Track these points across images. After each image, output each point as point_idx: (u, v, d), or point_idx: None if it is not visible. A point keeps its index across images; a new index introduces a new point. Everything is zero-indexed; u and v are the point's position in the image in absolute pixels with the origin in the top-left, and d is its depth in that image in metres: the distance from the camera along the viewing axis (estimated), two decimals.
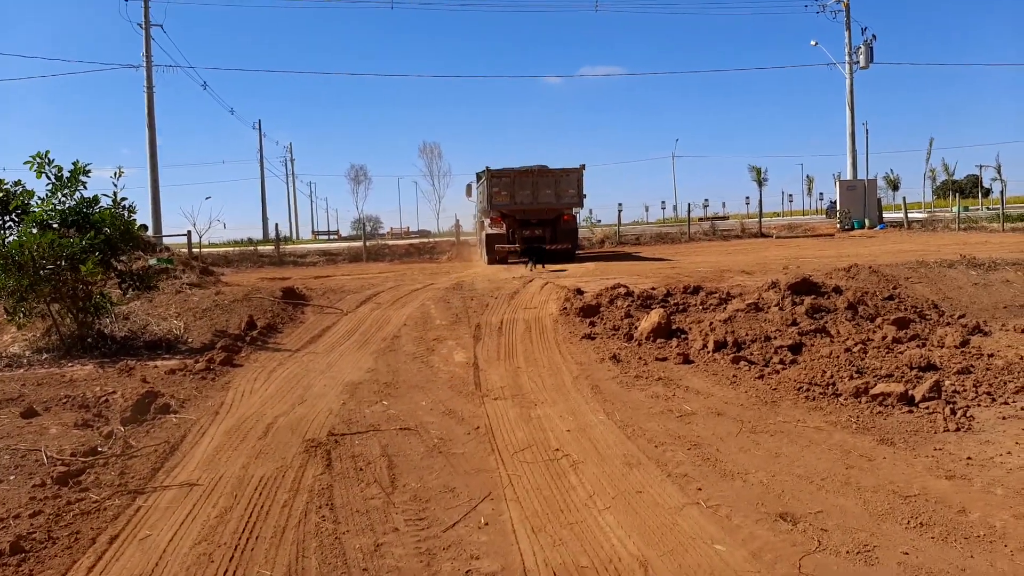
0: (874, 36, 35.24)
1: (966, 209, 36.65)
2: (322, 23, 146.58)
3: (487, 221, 20.37)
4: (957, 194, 45.81)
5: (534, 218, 19.74)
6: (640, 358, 7.18)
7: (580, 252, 23.83)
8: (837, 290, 9.05)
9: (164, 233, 30.46)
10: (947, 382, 5.76)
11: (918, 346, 7.22)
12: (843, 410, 5.38)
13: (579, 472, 4.37)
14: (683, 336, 7.85)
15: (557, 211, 19.96)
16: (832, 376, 5.97)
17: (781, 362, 6.72)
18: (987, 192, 63.93)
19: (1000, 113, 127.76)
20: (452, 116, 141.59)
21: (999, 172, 62.07)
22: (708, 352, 7.18)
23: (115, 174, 8.69)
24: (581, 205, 20.88)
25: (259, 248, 28.95)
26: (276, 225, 30.71)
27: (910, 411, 5.24)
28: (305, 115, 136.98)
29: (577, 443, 4.89)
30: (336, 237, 63.22)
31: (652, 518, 3.69)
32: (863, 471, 4.22)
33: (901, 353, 6.80)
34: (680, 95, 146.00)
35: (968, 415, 5.09)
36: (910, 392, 5.43)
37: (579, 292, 10.35)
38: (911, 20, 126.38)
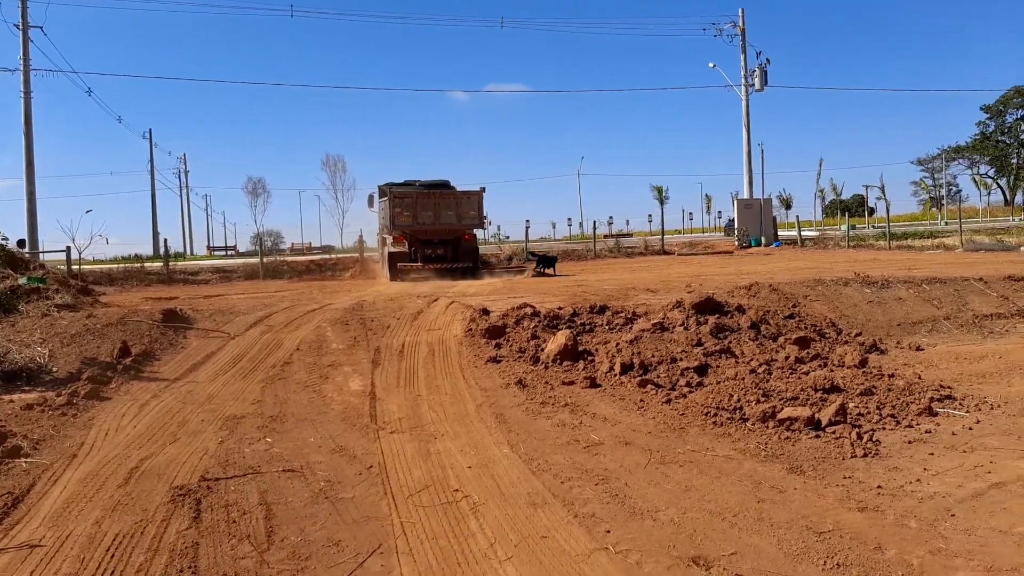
0: (768, 60, 36.75)
1: (854, 227, 38.59)
2: (218, 30, 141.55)
3: (389, 240, 20.65)
4: (845, 213, 48.17)
5: (436, 238, 20.22)
6: (547, 383, 6.90)
7: (489, 268, 23.96)
8: (740, 309, 9.07)
9: (42, 249, 28.37)
10: (851, 404, 5.73)
11: (820, 366, 7.26)
12: (751, 436, 5.24)
13: (480, 516, 4.01)
14: (590, 358, 7.63)
15: (458, 231, 20.48)
16: (739, 400, 5.85)
17: (688, 385, 6.57)
18: (872, 211, 67.67)
19: (885, 136, 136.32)
20: (356, 129, 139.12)
21: (883, 192, 65.97)
22: (615, 375, 6.97)
23: None
24: (481, 226, 21.40)
25: (146, 265, 27.26)
26: (165, 240, 29.03)
27: (817, 436, 5.15)
28: (200, 125, 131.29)
29: (479, 481, 4.52)
30: (233, 253, 60.71)
31: (557, 568, 3.37)
32: (775, 504, 4.04)
33: (805, 374, 6.78)
34: (585, 113, 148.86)
35: (874, 439, 5.04)
36: (816, 416, 5.35)
37: (485, 312, 10.01)
38: (803, 45, 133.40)
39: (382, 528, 3.87)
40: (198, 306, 12.58)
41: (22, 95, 26.34)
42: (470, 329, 9.15)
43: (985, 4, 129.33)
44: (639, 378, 6.74)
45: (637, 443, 5.15)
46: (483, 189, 21.08)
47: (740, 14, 37.50)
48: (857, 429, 5.19)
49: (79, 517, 4.07)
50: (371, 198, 24.51)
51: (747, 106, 37.13)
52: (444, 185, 22.38)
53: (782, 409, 5.51)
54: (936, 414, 5.60)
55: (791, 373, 6.86)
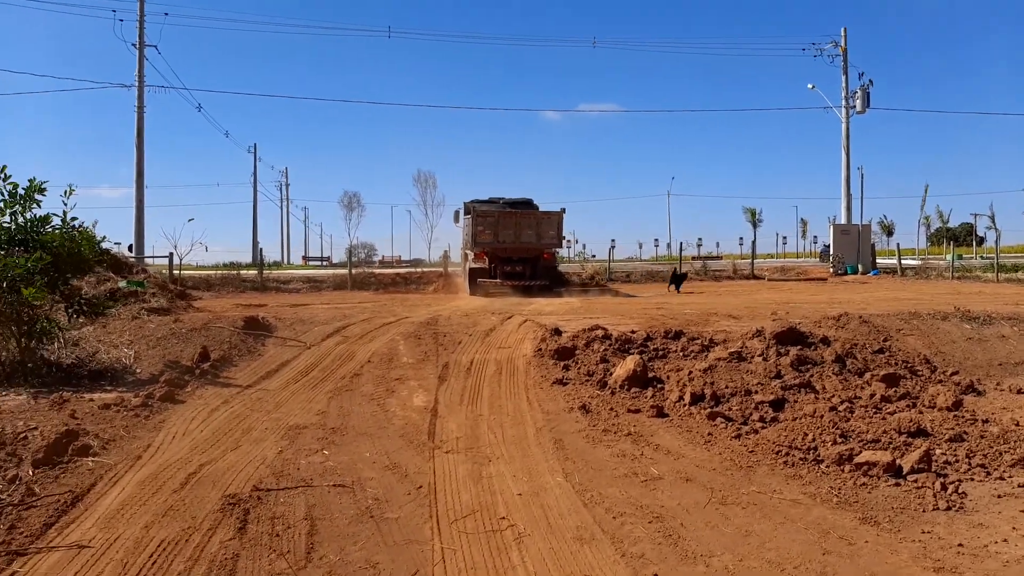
0: (871, 81, 35.25)
1: (960, 257, 36.39)
2: (318, 48, 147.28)
3: (471, 255, 21.12)
4: (952, 242, 45.63)
5: (515, 255, 20.56)
6: (611, 409, 6.69)
7: (568, 288, 23.89)
8: (825, 341, 8.59)
9: (148, 254, 30.00)
10: (938, 451, 5.28)
11: (908, 406, 6.76)
12: (824, 479, 4.89)
13: (523, 547, 3.86)
14: (659, 386, 7.37)
15: (538, 250, 20.80)
16: (814, 439, 5.48)
17: (761, 419, 6.23)
18: (981, 240, 63.96)
19: (994, 161, 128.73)
20: (448, 146, 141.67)
21: (993, 221, 62.21)
22: (684, 405, 6.69)
23: (65, 192, 8.21)
24: (560, 246, 21.70)
25: (242, 273, 28.37)
26: (260, 250, 30.35)
27: (897, 484, 4.75)
28: (301, 140, 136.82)
29: (527, 510, 4.37)
30: (326, 264, 62.75)
31: None
32: (842, 558, 3.72)
33: (890, 414, 6.33)
34: (676, 134, 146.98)
35: (960, 491, 4.61)
36: (898, 462, 4.95)
37: (556, 332, 9.86)
38: (908, 66, 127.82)
39: (422, 553, 3.78)
40: (282, 314, 12.94)
41: (136, 110, 28.07)
42: (539, 349, 9.02)
43: None
44: (709, 410, 6.44)
45: (699, 480, 4.88)
46: (563, 210, 21.24)
47: (842, 34, 36.17)
48: (942, 479, 4.77)
49: (130, 520, 4.15)
50: (456, 214, 25.18)
51: (847, 128, 35.70)
52: (527, 203, 22.65)
53: (860, 452, 5.13)
54: None
55: (875, 413, 6.41)
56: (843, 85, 35.86)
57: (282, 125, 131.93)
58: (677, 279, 22.53)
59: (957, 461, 5.11)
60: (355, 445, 5.68)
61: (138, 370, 8.37)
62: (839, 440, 5.45)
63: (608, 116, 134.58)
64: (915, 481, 4.75)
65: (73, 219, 8.22)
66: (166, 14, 30.59)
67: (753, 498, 4.57)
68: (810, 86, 37.93)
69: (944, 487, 4.63)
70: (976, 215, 66.00)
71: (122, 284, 15.26)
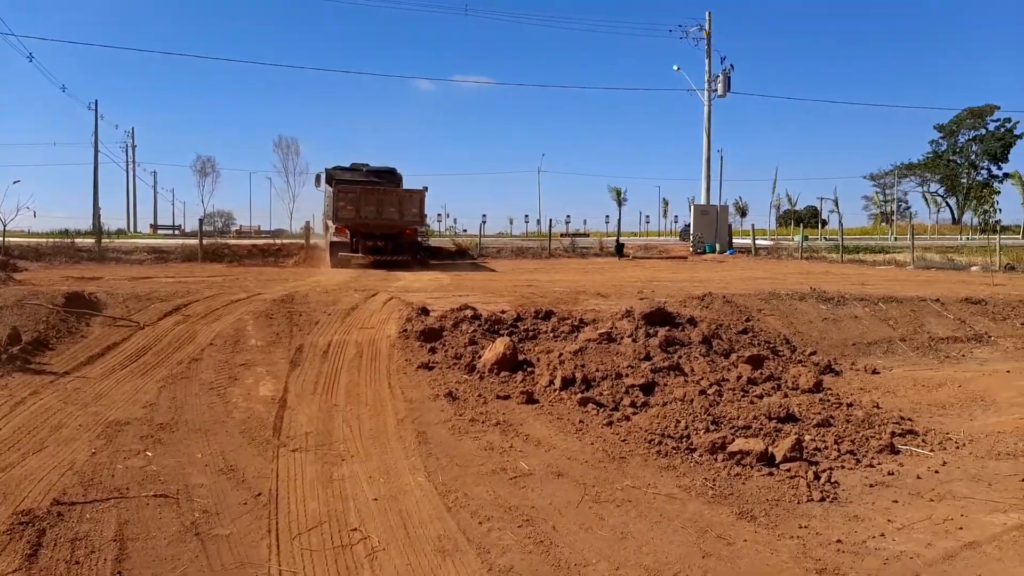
0: (732, 66, 36.62)
1: (807, 239, 38.85)
2: (171, 3, 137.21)
3: (332, 228, 21.13)
4: (799, 223, 48.67)
5: (377, 231, 20.85)
6: (480, 396, 6.27)
7: (438, 262, 24.04)
8: (692, 321, 8.56)
9: None
10: (808, 437, 5.23)
11: (774, 388, 6.78)
12: (698, 470, 4.69)
13: (377, 565, 3.36)
14: (530, 369, 7.03)
15: (400, 227, 21.06)
16: (687, 426, 5.30)
17: (632, 405, 6.01)
18: (824, 223, 68.72)
19: (839, 149, 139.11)
20: (313, 111, 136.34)
21: (836, 205, 67.07)
22: (555, 390, 6.37)
23: None
24: (422, 224, 22.14)
25: (77, 241, 25.82)
26: (98, 215, 27.57)
27: (771, 473, 4.62)
28: (150, 99, 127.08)
29: (383, 518, 3.87)
30: (177, 232, 58.77)
31: None
32: (722, 560, 3.48)
33: (759, 398, 6.29)
34: (549, 109, 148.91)
35: (832, 480, 4.53)
36: (770, 450, 4.83)
37: (423, 311, 9.34)
38: (766, 53, 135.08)
39: None
40: (117, 289, 11.65)
41: None
42: (405, 330, 8.47)
43: (944, 26, 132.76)
44: (580, 395, 6.15)
45: (571, 474, 4.55)
46: (425, 188, 21.82)
47: (707, 17, 37.33)
48: (814, 467, 4.68)
49: None
50: (318, 177, 24.83)
51: (709, 111, 37.01)
52: (391, 172, 22.86)
53: (733, 440, 4.98)
54: (898, 452, 5.13)
55: (743, 396, 6.36)
56: (706, 68, 37.09)
57: (128, 82, 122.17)
58: (619, 249, 28.55)
59: (827, 447, 5.07)
60: (186, 444, 4.95)
61: None
62: (711, 427, 5.30)
63: (481, 89, 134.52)
64: (788, 470, 4.63)
65: None
66: None
67: (628, 494, 4.28)
68: (676, 68, 39.03)
69: (817, 476, 4.54)
70: (822, 199, 70.86)
71: None
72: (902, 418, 5.91)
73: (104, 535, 3.56)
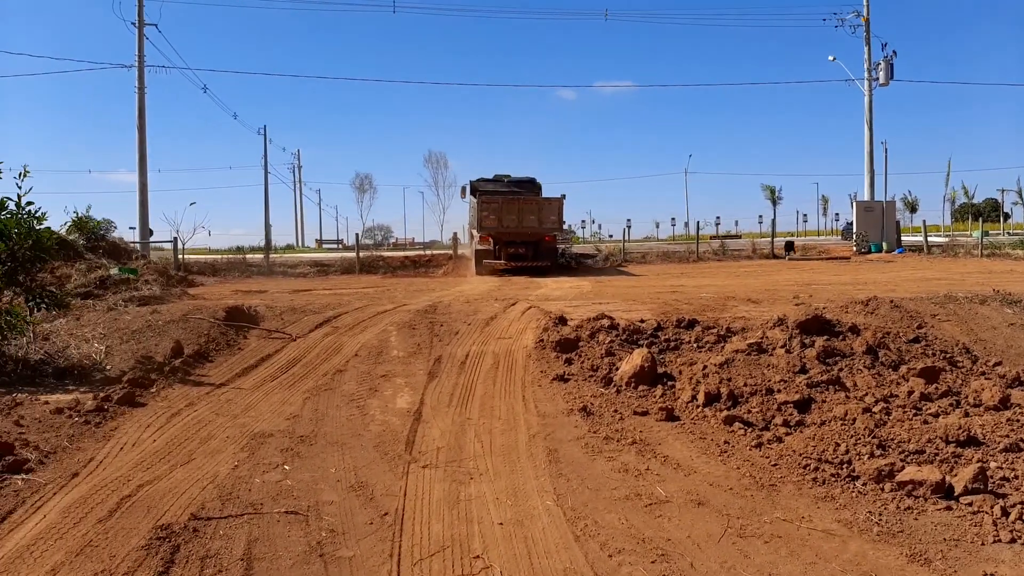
0: (894, 52, 33.86)
1: (987, 234, 35.19)
2: (324, 25, 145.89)
3: (476, 237, 22.33)
4: (980, 218, 44.22)
5: (519, 239, 21.75)
6: (616, 411, 5.97)
7: (582, 269, 24.44)
8: (854, 329, 7.81)
9: (154, 239, 29.50)
10: (993, 464, 4.53)
11: (951, 405, 5.98)
12: (861, 501, 4.16)
13: None
14: (670, 383, 6.64)
15: (539, 234, 21.92)
16: (847, 450, 4.75)
17: (785, 424, 5.50)
18: (1007, 216, 62.21)
19: (1019, 135, 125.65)
20: (458, 125, 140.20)
21: (1020, 196, 60.46)
22: (697, 406, 5.96)
23: (20, 175, 7.52)
24: (561, 230, 22.95)
25: (247, 257, 27.86)
26: (267, 233, 29.64)
27: (948, 507, 4.02)
28: (311, 121, 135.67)
29: (508, 545, 3.68)
30: (340, 246, 62.27)
31: None
32: None
33: (933, 417, 5.57)
34: (693, 110, 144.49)
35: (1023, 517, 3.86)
36: (948, 480, 4.20)
37: (561, 321, 9.14)
38: (933, 37, 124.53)
39: None
40: (277, 301, 12.33)
41: (136, 91, 27.42)
42: (541, 340, 8.31)
43: None
44: (726, 412, 5.70)
45: (713, 503, 4.17)
46: (563, 196, 22.61)
47: (864, 3, 34.78)
48: (1001, 501, 4.02)
49: (37, 561, 3.51)
50: (464, 190, 26.88)
51: (870, 102, 34.42)
52: (531, 182, 23.88)
53: (903, 468, 4.39)
54: None
55: (915, 414, 5.65)
56: (865, 56, 34.54)
57: (291, 106, 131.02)
58: (788, 246, 29.92)
59: (1016, 478, 4.35)
60: (322, 458, 5.02)
61: (108, 367, 7.77)
62: (877, 452, 4.71)
63: (623, 93, 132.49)
64: (970, 504, 4.01)
65: (28, 204, 7.54)
66: None
67: (778, 528, 3.84)
68: (831, 58, 36.73)
69: (1005, 512, 3.89)
70: (1003, 190, 64.12)
71: (114, 271, 14.73)
72: None
73: (233, 553, 3.60)
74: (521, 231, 21.63)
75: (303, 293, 16.09)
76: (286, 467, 4.83)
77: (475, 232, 22.54)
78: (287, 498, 4.30)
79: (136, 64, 27.42)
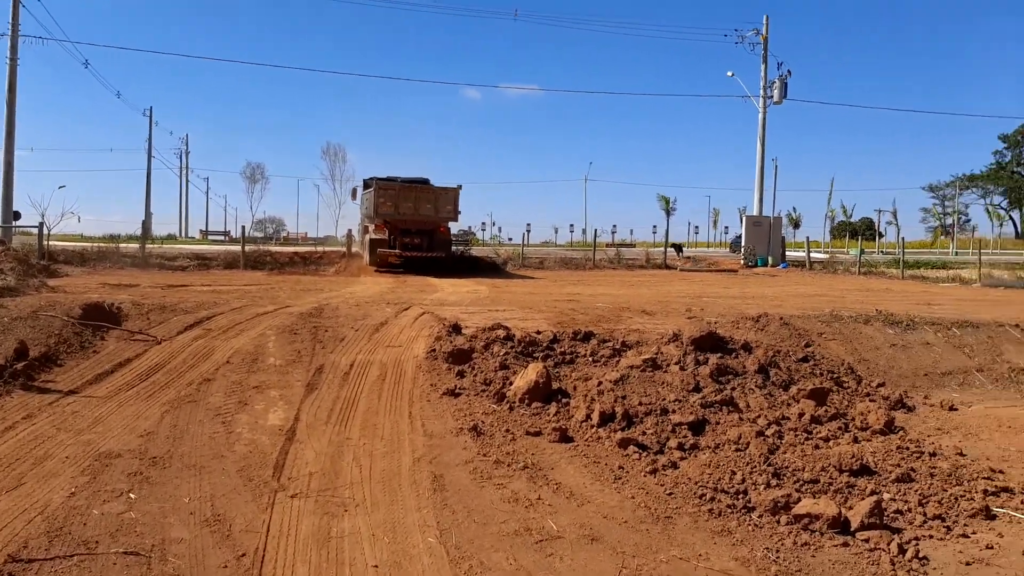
0: (789, 72, 35.34)
1: (863, 252, 37.35)
2: (217, 8, 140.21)
3: (371, 227, 22.73)
4: (859, 237, 46.94)
5: (414, 227, 22.20)
6: (508, 431, 5.64)
7: (479, 272, 24.36)
8: (746, 347, 7.80)
9: (17, 224, 27.11)
10: (887, 496, 4.47)
11: (840, 428, 6.00)
12: (758, 536, 3.98)
13: None
14: (565, 400, 6.37)
15: (435, 223, 22.47)
16: (743, 479, 4.59)
17: (680, 447, 5.32)
18: (881, 235, 66.39)
19: (897, 160, 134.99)
20: (359, 118, 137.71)
21: (895, 217, 64.77)
22: (592, 426, 5.71)
23: None
24: (456, 219, 23.29)
25: (122, 247, 25.96)
26: (144, 221, 27.73)
27: (845, 543, 3.89)
28: (201, 106, 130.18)
29: None
30: (226, 238, 59.51)
31: None
32: None
33: (824, 441, 5.56)
34: (596, 117, 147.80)
35: (920, 555, 3.77)
36: (844, 514, 4.08)
37: (455, 329, 8.75)
38: (824, 59, 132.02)
39: None
40: (147, 297, 11.37)
41: (8, 61, 25.05)
42: (433, 350, 7.89)
43: (1011, 34, 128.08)
44: (621, 434, 5.47)
45: (608, 539, 3.88)
46: (459, 186, 22.96)
47: (764, 21, 36.21)
48: (897, 537, 3.93)
49: None
50: (355, 191, 27.25)
51: (764, 119, 35.85)
52: (424, 181, 23.95)
53: (799, 499, 4.25)
54: (994, 516, 4.35)
55: (807, 439, 5.61)
56: (762, 74, 35.95)
57: (181, 89, 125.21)
58: (678, 248, 32.83)
59: (910, 510, 4.30)
60: (175, 484, 4.43)
61: None
62: (772, 481, 4.58)
63: (529, 96, 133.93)
64: (866, 540, 3.90)
65: None
66: None
67: (675, 567, 3.60)
68: (729, 73, 38.09)
69: (902, 549, 3.79)
70: (879, 211, 68.53)
71: None
72: (992, 471, 5.10)
73: None
74: (417, 219, 21.94)
75: (178, 289, 15.00)
76: (132, 495, 4.23)
77: (369, 224, 22.95)
78: (128, 535, 3.72)
79: (10, 33, 25.06)
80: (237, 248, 26.45)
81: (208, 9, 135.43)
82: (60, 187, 53.28)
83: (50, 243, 24.15)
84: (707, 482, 4.58)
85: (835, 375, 7.77)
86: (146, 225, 27.52)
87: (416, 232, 22.33)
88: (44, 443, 5.05)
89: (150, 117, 61.85)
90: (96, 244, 26.49)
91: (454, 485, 4.56)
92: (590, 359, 7.64)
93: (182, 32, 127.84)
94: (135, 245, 26.06)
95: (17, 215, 28.36)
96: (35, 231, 24.41)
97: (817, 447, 5.41)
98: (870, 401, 7.08)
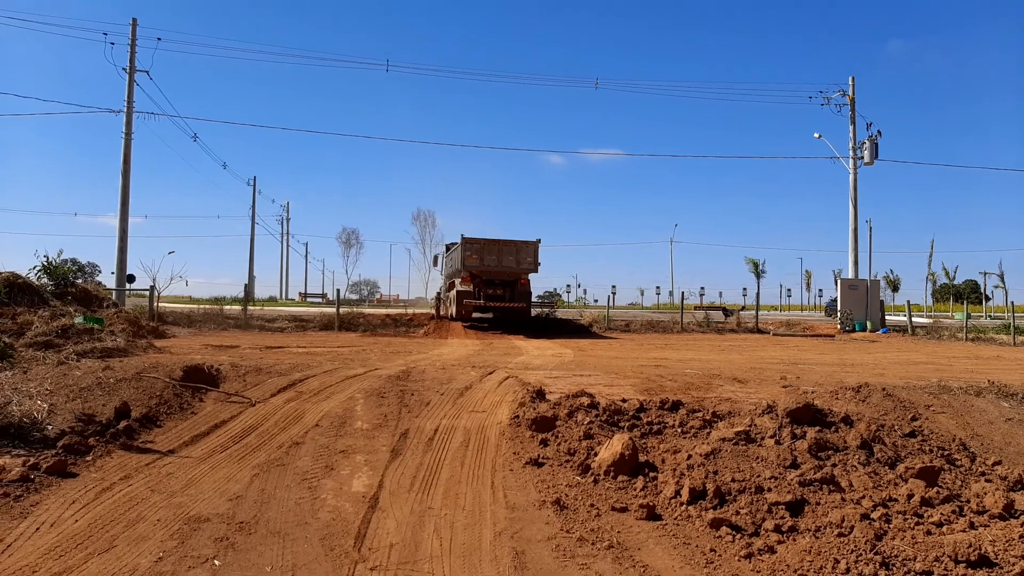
0: (879, 132, 34.46)
1: (969, 316, 35.26)
2: (317, 79, 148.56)
3: (458, 280, 24.49)
4: (963, 300, 44.37)
5: (497, 279, 24.29)
6: (592, 505, 5.46)
7: (564, 334, 24.92)
8: (847, 420, 7.38)
9: (131, 287, 28.86)
10: None
11: (954, 512, 5.52)
12: None
13: None
14: (652, 474, 6.14)
15: (516, 274, 24.49)
16: (848, 568, 4.25)
17: (777, 529, 5.00)
18: (988, 299, 62.63)
19: (1002, 218, 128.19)
20: (447, 184, 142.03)
21: (1002, 279, 61.10)
22: (681, 503, 5.46)
23: None
24: (536, 271, 24.86)
25: (225, 309, 27.22)
26: (245, 286, 29.04)
27: None
28: (301, 174, 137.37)
29: None
30: (323, 300, 61.57)
31: None
32: None
33: (937, 527, 5.11)
34: (680, 179, 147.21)
35: None
36: None
37: (539, 395, 8.66)
38: (917, 118, 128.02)
39: None
40: (245, 359, 11.79)
41: (123, 136, 27.14)
42: (516, 416, 7.81)
43: None
44: (713, 512, 5.20)
45: None
46: (539, 240, 24.83)
47: (850, 83, 35.54)
48: None
49: None
50: (436, 258, 29.36)
51: (855, 180, 34.84)
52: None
53: None
54: None
55: (917, 523, 5.18)
56: (851, 135, 35.15)
57: (282, 158, 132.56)
58: (725, 311, 32.92)
59: None
60: (259, 551, 4.45)
61: (49, 427, 7.16)
62: (880, 572, 4.22)
63: (611, 160, 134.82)
64: None
65: None
66: (159, 39, 29.85)
67: None
68: (816, 135, 37.31)
69: None
70: (984, 273, 64.82)
71: (78, 320, 14.14)
72: None
73: None
74: (500, 271, 23.98)
75: (275, 350, 15.53)
76: (216, 562, 4.27)
77: (456, 279, 24.77)
78: None
79: (125, 110, 27.22)
80: (332, 310, 27.34)
81: (304, 84, 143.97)
82: (170, 252, 56.68)
83: (160, 305, 25.56)
84: (807, 570, 4.27)
85: (946, 452, 7.22)
86: (248, 288, 28.81)
87: (499, 283, 24.24)
88: (137, 505, 5.20)
89: (253, 186, 65.49)
90: (202, 306, 27.88)
91: (535, 563, 4.40)
92: (679, 430, 7.37)
93: (281, 104, 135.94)
94: (238, 307, 27.28)
95: (131, 278, 30.23)
96: (147, 294, 25.92)
97: (929, 533, 4.98)
98: (986, 481, 6.52)
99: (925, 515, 5.39)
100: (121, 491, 5.46)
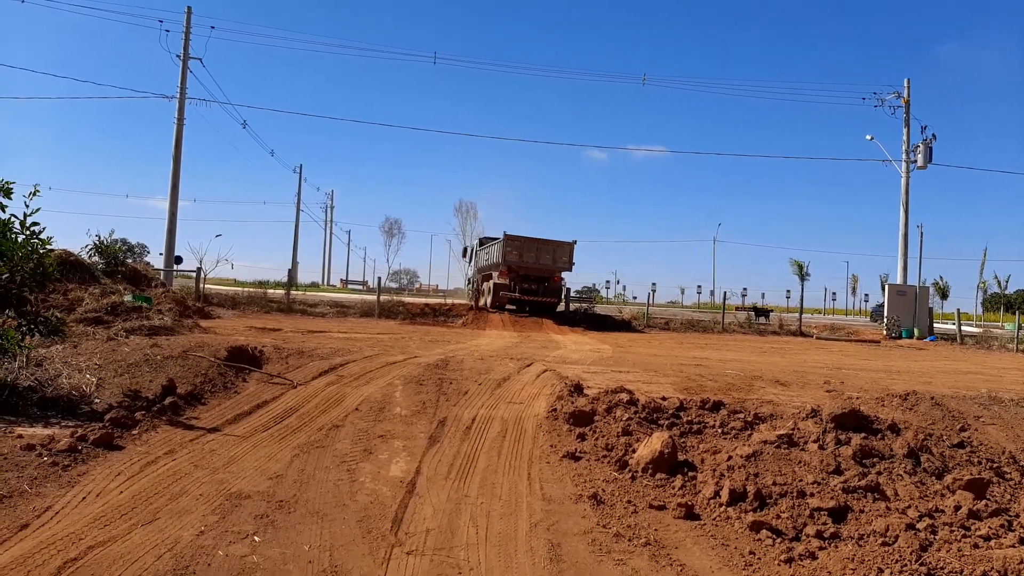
0: (934, 136, 33.50)
1: (1021, 327, 34.17)
2: (365, 70, 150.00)
3: (496, 273, 26.29)
4: (1015, 310, 43.00)
5: (533, 275, 25.94)
6: (630, 501, 5.41)
7: (603, 330, 25.06)
8: (893, 428, 7.20)
9: (178, 268, 29.50)
10: None
11: (1003, 526, 5.35)
12: None
13: None
14: (691, 473, 6.06)
15: (551, 272, 26.29)
16: None
17: (818, 535, 4.90)
18: None
19: None
20: (489, 176, 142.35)
21: None
22: (720, 504, 5.38)
23: (29, 194, 7.19)
24: (570, 269, 26.82)
25: (268, 292, 27.65)
26: (289, 271, 29.47)
27: None
28: (346, 162, 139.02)
29: None
30: (364, 288, 62.27)
31: None
32: None
33: (984, 540, 4.95)
34: (725, 178, 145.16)
35: None
36: None
37: (577, 389, 8.62)
38: (972, 123, 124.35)
39: None
40: (287, 342, 11.95)
41: (175, 121, 27.71)
42: (554, 409, 7.79)
43: None
44: (753, 515, 5.12)
45: None
46: (575, 241, 26.79)
47: (905, 84, 34.64)
48: None
49: None
50: (465, 250, 31.16)
51: (907, 184, 33.96)
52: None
53: None
54: None
55: (964, 536, 5.03)
56: (904, 138, 34.26)
57: (328, 146, 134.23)
58: (761, 312, 33.89)
59: None
60: (298, 530, 4.50)
61: (96, 400, 7.36)
62: None
63: (655, 157, 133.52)
64: None
65: (34, 224, 7.22)
66: (212, 27, 30.44)
67: None
68: (869, 137, 36.49)
69: None
70: None
71: (127, 298, 14.49)
72: None
73: None
74: (536, 268, 25.68)
75: (316, 335, 15.73)
76: (256, 538, 4.33)
77: (494, 272, 26.53)
78: None
79: (178, 96, 27.78)
80: (373, 297, 27.61)
81: (353, 75, 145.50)
82: (217, 235, 57.82)
83: (206, 286, 26.09)
84: None
85: (995, 464, 7.00)
86: (292, 274, 29.22)
87: (534, 279, 26.00)
88: (181, 479, 5.30)
89: (299, 174, 66.43)
90: (246, 289, 28.41)
91: (571, 556, 4.38)
92: (719, 431, 7.27)
93: (329, 93, 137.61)
94: (281, 291, 27.70)
95: (179, 259, 30.91)
96: (193, 275, 26.47)
97: (976, 546, 4.83)
98: None
99: (972, 528, 5.23)
100: (165, 465, 5.57)
